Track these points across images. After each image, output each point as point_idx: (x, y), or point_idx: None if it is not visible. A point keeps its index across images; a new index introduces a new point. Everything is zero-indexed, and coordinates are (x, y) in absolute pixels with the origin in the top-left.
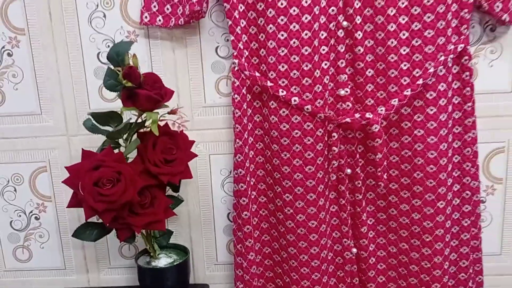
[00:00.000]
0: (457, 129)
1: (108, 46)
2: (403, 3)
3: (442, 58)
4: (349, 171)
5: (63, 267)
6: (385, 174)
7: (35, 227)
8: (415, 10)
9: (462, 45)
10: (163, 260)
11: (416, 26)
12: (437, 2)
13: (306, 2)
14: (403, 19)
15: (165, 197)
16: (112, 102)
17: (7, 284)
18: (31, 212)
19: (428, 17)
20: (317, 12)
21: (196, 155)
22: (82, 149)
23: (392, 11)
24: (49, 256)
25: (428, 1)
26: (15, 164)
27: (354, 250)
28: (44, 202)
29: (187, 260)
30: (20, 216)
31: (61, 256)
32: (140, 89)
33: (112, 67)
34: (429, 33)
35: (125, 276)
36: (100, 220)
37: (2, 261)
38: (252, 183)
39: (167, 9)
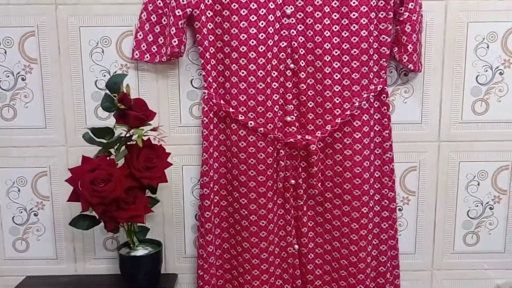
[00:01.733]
0: (378, 150)
1: (105, 75)
2: (336, 52)
3: (365, 95)
4: (293, 181)
5: (55, 257)
6: (320, 184)
7: (34, 222)
8: (345, 58)
9: (381, 86)
10: (140, 251)
11: (346, 70)
12: (361, 53)
13: (262, 48)
14: (336, 64)
15: (145, 197)
16: (105, 120)
17: (7, 271)
18: (31, 209)
19: (355, 64)
20: (270, 57)
21: (171, 164)
22: (83, 155)
23: (327, 57)
24: (43, 247)
25: (354, 52)
26: (21, 168)
27: (296, 246)
28: (43, 201)
29: (160, 251)
30: (21, 212)
31: (54, 248)
32: (130, 110)
33: (109, 93)
34: (355, 76)
35: (107, 266)
36: (92, 213)
37: (3, 250)
38: (215, 189)
39: (153, 49)
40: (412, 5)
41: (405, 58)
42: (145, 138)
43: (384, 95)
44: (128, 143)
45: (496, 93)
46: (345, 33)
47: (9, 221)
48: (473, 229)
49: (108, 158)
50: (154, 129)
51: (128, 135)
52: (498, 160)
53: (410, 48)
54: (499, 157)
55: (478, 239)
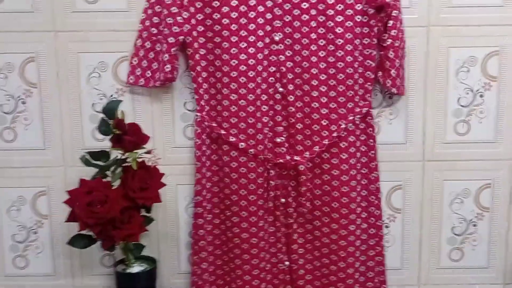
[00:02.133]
0: (364, 170)
1: (101, 99)
2: (323, 77)
3: (351, 117)
4: (283, 200)
5: (54, 274)
6: (309, 203)
7: (33, 240)
8: (332, 82)
9: (366, 108)
10: (136, 268)
11: (332, 93)
12: (347, 77)
13: (251, 73)
14: (323, 88)
15: (140, 216)
16: (101, 142)
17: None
18: (31, 227)
19: (341, 88)
20: (259, 81)
21: (165, 185)
22: (80, 178)
23: (315, 82)
24: (42, 264)
25: (340, 76)
26: (21, 188)
27: (287, 263)
28: (42, 219)
29: (155, 268)
30: (21, 230)
31: (53, 264)
32: (125, 135)
33: (105, 118)
34: (341, 99)
35: (104, 282)
36: (89, 233)
37: (3, 268)
38: (208, 207)
39: (148, 74)
40: (394, 32)
41: (388, 82)
42: (139, 160)
43: (370, 117)
44: (124, 164)
45: (477, 115)
46: (331, 59)
47: (9, 239)
48: (458, 245)
49: (104, 180)
50: (148, 152)
51: (123, 157)
52: (480, 178)
53: (393, 73)
54: (481, 176)
55: (463, 255)
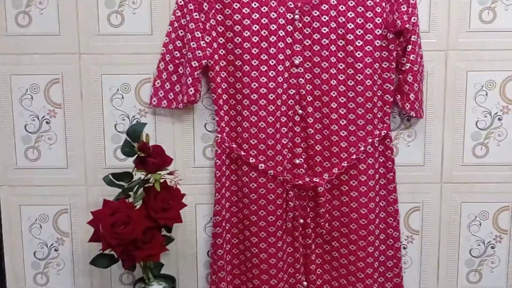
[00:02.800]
0: (382, 192)
1: (124, 119)
2: (342, 100)
3: (370, 140)
4: (301, 220)
5: None
6: (328, 224)
7: (54, 257)
8: (351, 105)
9: (385, 131)
10: (155, 287)
11: (351, 116)
12: (366, 101)
13: (271, 96)
14: (342, 111)
15: (161, 236)
16: (123, 162)
17: None
18: (52, 244)
19: (360, 111)
20: (279, 104)
21: (186, 205)
22: (104, 199)
23: (334, 104)
24: (63, 281)
25: (359, 100)
26: (43, 206)
27: (305, 283)
28: (63, 237)
29: (174, 287)
30: (42, 248)
31: (73, 282)
32: (149, 157)
33: (129, 139)
34: (360, 122)
35: None
36: (111, 252)
37: (25, 284)
38: (227, 227)
39: (170, 96)
40: (413, 56)
41: (407, 106)
42: (161, 181)
43: (388, 140)
44: (146, 185)
45: (496, 138)
46: (350, 82)
47: (31, 256)
48: (475, 267)
49: (127, 200)
50: (170, 173)
51: (146, 178)
52: (498, 201)
53: (412, 96)
54: (499, 198)
55: (481, 277)
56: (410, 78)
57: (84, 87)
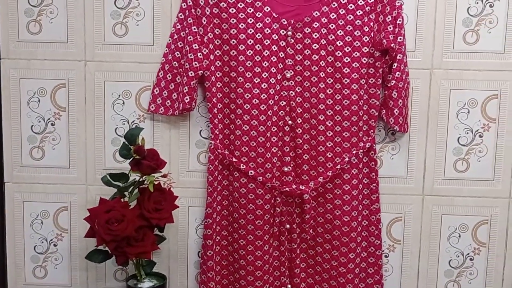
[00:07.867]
0: (366, 201)
1: (124, 124)
2: (329, 112)
3: (355, 151)
4: (288, 226)
5: (70, 285)
6: (312, 230)
7: (53, 252)
8: (337, 117)
9: (370, 144)
10: (147, 283)
11: (337, 128)
12: (352, 114)
13: (263, 107)
14: (329, 123)
15: (153, 235)
16: (122, 163)
17: None
18: (51, 240)
19: (346, 124)
20: (270, 114)
21: (178, 207)
22: (100, 197)
23: (322, 116)
24: (60, 275)
25: (346, 113)
26: (45, 203)
27: (289, 286)
28: (62, 233)
29: (164, 285)
30: (42, 242)
31: (69, 276)
32: (144, 160)
33: (126, 143)
34: (346, 134)
35: None
36: (105, 248)
37: (24, 277)
38: (217, 230)
39: (167, 103)
40: (398, 74)
41: (391, 120)
42: (155, 182)
43: (372, 152)
44: (141, 187)
45: (476, 154)
46: (338, 96)
47: (31, 250)
48: (454, 278)
49: (122, 200)
50: (164, 176)
51: (141, 180)
52: (477, 214)
53: (396, 111)
54: (479, 212)
55: (459, 287)
56: (395, 94)
57: (88, 92)
